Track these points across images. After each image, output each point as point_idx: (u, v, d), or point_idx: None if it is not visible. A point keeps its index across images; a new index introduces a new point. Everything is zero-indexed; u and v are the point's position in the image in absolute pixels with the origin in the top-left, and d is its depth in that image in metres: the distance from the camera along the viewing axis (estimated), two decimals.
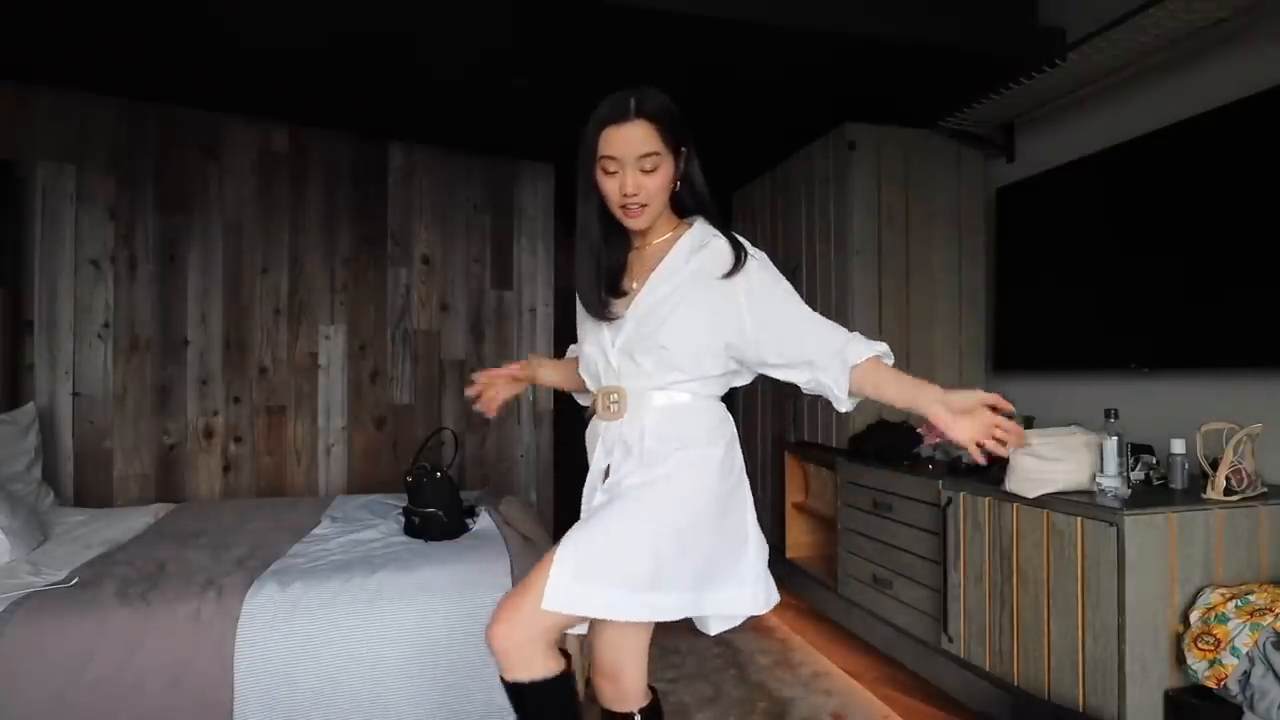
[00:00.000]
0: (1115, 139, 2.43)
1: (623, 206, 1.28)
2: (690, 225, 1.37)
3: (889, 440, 2.76)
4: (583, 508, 1.39)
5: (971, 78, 2.62)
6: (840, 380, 1.24)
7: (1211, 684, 1.67)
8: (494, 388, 1.60)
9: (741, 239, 1.33)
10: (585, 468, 1.42)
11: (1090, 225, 2.49)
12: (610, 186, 1.28)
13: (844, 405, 1.29)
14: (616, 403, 1.34)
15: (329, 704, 1.77)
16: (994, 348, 2.98)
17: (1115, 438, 1.91)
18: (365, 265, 3.60)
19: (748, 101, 2.99)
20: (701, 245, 1.32)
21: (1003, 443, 1.19)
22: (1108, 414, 1.96)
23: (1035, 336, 2.74)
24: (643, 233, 1.35)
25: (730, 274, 1.28)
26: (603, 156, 1.26)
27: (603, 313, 1.33)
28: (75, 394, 3.07)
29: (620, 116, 1.24)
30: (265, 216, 3.41)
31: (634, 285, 1.34)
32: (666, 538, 1.24)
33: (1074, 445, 1.99)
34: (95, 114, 3.08)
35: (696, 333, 1.30)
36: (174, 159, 3.23)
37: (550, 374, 1.62)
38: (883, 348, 1.27)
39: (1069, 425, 2.23)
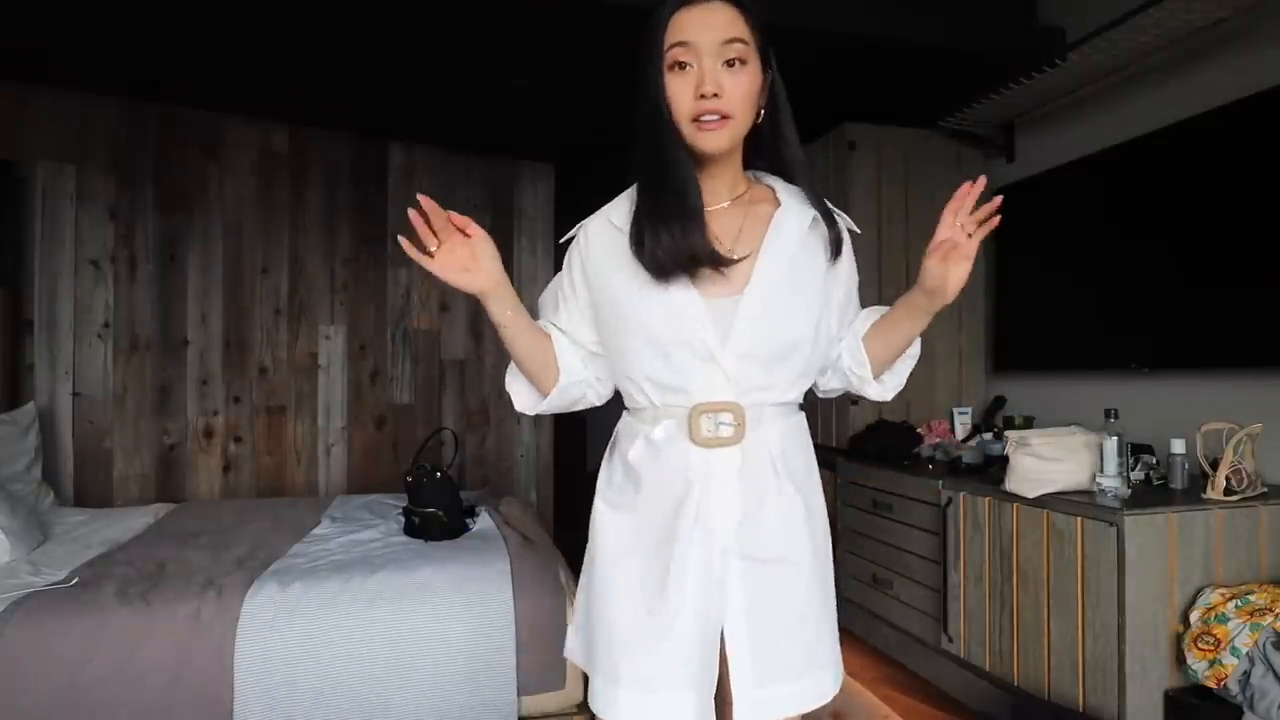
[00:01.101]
0: (1115, 139, 2.42)
1: (697, 118, 0.93)
2: (770, 187, 1.06)
3: (889, 440, 2.76)
4: (680, 575, 0.97)
5: (971, 78, 2.62)
6: (858, 353, 1.08)
7: (1211, 684, 1.67)
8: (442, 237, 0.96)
9: (838, 211, 1.08)
10: (584, 470, 1.30)
11: (1090, 225, 2.49)
12: (680, 88, 0.93)
13: (873, 389, 1.11)
14: (732, 426, 0.97)
15: (329, 704, 1.77)
16: (994, 348, 2.98)
17: (1115, 438, 1.91)
18: (365, 265, 3.60)
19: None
20: (815, 217, 1.04)
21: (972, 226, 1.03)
22: (1108, 414, 1.96)
23: (1035, 336, 2.74)
24: (708, 182, 1.00)
25: (836, 258, 1.06)
26: (673, 45, 0.93)
27: (705, 262, 0.94)
28: (75, 394, 3.07)
29: None
30: (265, 216, 3.40)
31: (734, 255, 0.97)
32: (833, 593, 1.08)
33: (1074, 445, 1.99)
34: (95, 114, 3.08)
35: (831, 329, 1.07)
36: (174, 159, 3.23)
37: (518, 321, 1.01)
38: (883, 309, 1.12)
39: (1069, 425, 2.23)
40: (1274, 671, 1.58)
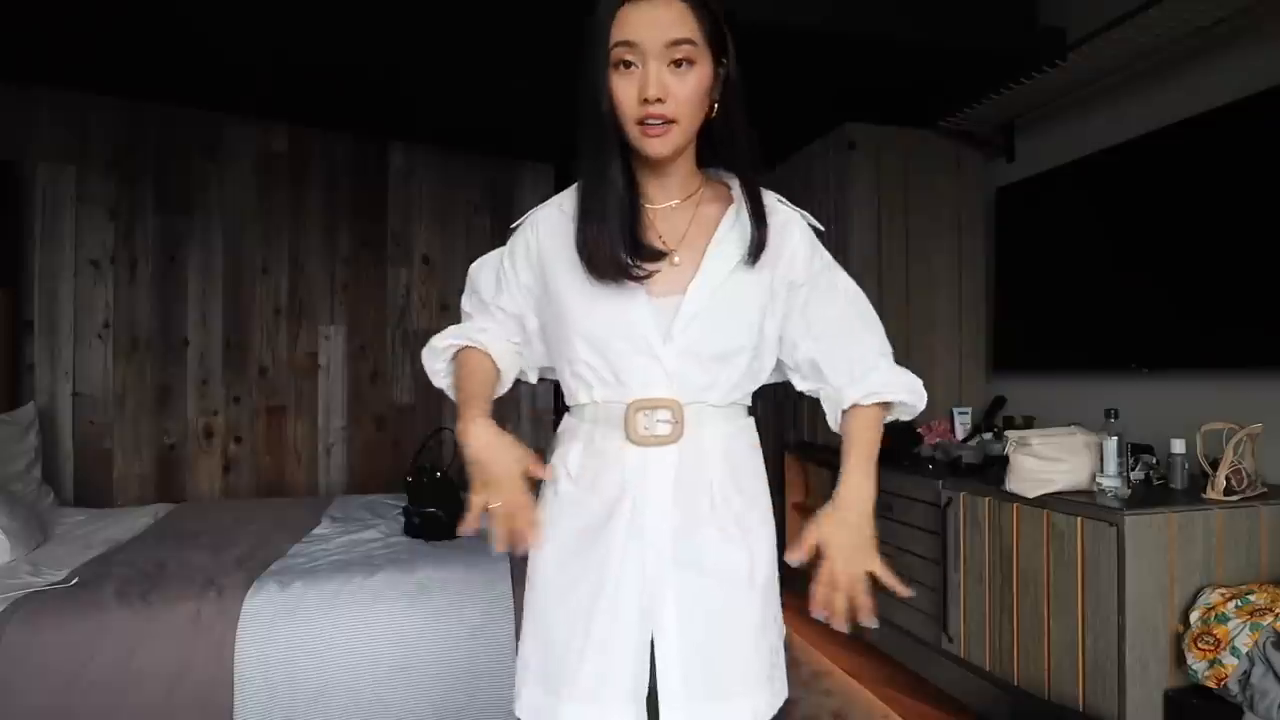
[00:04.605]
0: (1115, 139, 2.42)
1: (641, 121, 0.90)
2: (727, 185, 1.02)
3: (889, 440, 2.75)
4: (615, 582, 0.94)
5: (971, 78, 2.62)
6: (834, 414, 1.05)
7: (1211, 684, 1.67)
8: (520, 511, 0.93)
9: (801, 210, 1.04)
10: None
11: (1090, 225, 2.49)
12: (624, 89, 0.89)
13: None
14: (670, 424, 0.94)
15: (329, 704, 1.77)
16: (994, 347, 2.98)
17: (1115, 438, 1.91)
18: (365, 265, 3.60)
19: (748, 101, 2.99)
20: (770, 214, 1.00)
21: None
22: (1108, 414, 1.96)
23: (1035, 336, 2.74)
24: (657, 180, 0.99)
25: (794, 252, 1.01)
26: (617, 43, 0.88)
27: (631, 272, 0.92)
28: (75, 394, 3.07)
29: None
30: (265, 216, 3.41)
31: (676, 258, 0.96)
32: (776, 609, 1.04)
33: (1074, 445, 1.99)
34: (95, 114, 3.08)
35: (774, 327, 1.02)
36: (174, 159, 3.23)
37: (485, 411, 0.99)
38: (893, 396, 1.03)
39: (1069, 425, 2.23)
40: (1274, 671, 1.58)
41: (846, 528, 0.93)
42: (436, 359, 1.08)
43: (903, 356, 1.08)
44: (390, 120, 3.43)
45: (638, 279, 0.93)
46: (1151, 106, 2.35)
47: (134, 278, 3.18)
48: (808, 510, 3.35)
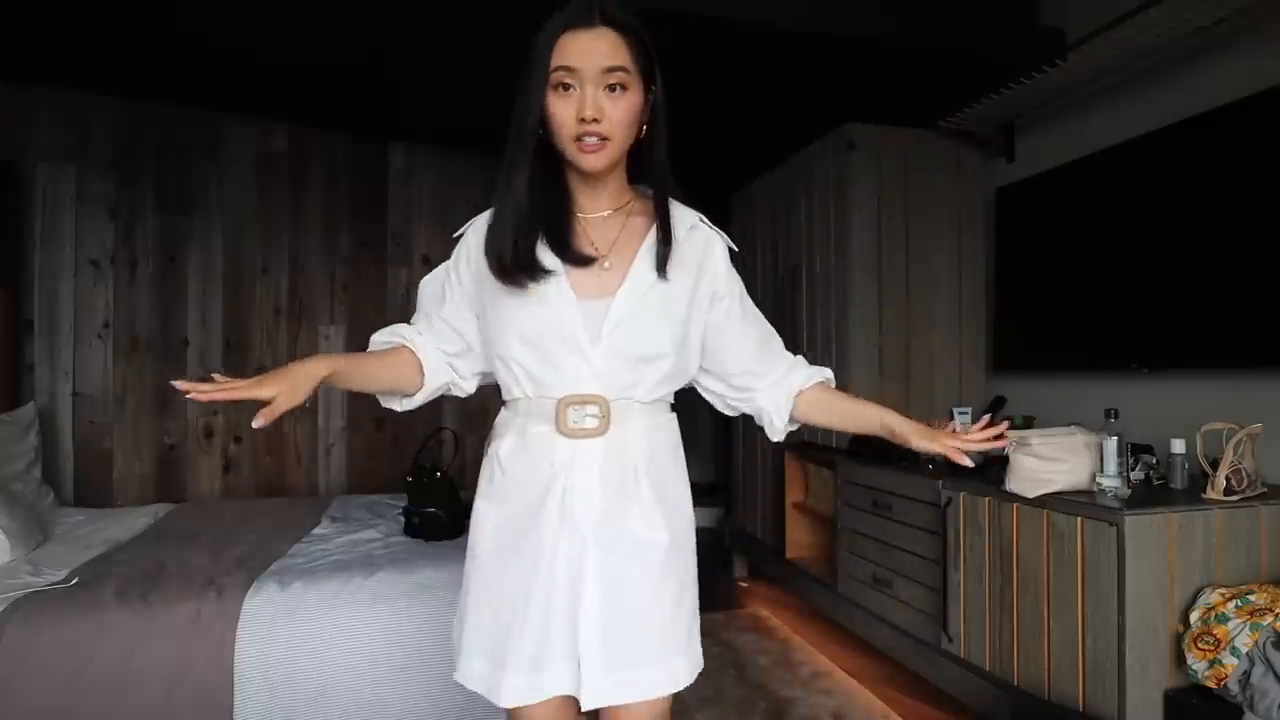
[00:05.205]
0: (1115, 139, 2.42)
1: (578, 139, 0.99)
2: (649, 198, 1.12)
3: (889, 440, 2.75)
4: (549, 564, 1.03)
5: (971, 78, 2.62)
6: (783, 409, 1.18)
7: (1211, 684, 1.67)
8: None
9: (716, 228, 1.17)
10: None
11: (1090, 225, 2.49)
12: (563, 110, 0.98)
13: (778, 434, 1.22)
14: (597, 418, 1.03)
15: (329, 704, 1.77)
16: (994, 347, 2.98)
17: (1115, 438, 1.91)
18: (365, 265, 3.60)
19: (747, 101, 2.99)
20: (691, 228, 1.11)
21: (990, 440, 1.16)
22: (1108, 414, 1.96)
23: (1035, 336, 2.74)
24: (590, 191, 1.08)
25: (715, 268, 1.13)
26: (557, 67, 0.97)
27: (523, 277, 1.02)
28: (75, 394, 3.08)
29: (583, 21, 0.98)
30: (265, 216, 3.41)
31: (606, 264, 1.05)
32: (692, 584, 1.13)
33: (1074, 445, 1.99)
34: (95, 114, 3.08)
35: (696, 334, 1.12)
36: (174, 159, 3.24)
37: (351, 368, 1.10)
38: (827, 373, 1.22)
39: (1069, 425, 2.23)
40: (1274, 671, 1.58)
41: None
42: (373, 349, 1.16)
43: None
44: (390, 120, 3.43)
45: (522, 285, 1.02)
46: (1151, 106, 2.35)
47: (134, 278, 3.19)
48: (808, 510, 3.35)
